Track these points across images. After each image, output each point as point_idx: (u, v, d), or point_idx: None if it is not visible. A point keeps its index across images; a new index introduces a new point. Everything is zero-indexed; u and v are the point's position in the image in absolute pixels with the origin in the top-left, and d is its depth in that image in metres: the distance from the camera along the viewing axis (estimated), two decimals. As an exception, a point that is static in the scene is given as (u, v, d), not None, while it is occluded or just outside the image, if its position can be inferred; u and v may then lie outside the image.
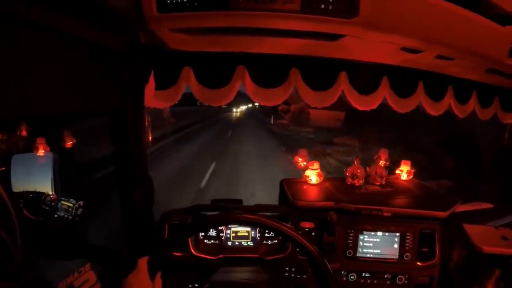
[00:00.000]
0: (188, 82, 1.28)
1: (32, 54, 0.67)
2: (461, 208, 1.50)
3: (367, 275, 1.32)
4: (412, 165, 1.73)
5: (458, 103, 1.61)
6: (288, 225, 0.79)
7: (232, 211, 0.82)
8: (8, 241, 0.59)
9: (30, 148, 1.71)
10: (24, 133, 1.83)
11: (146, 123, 1.40)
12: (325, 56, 1.31)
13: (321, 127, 17.16)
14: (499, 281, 1.31)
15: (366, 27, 1.04)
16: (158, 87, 1.27)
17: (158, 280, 0.79)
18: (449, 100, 1.57)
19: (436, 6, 1.03)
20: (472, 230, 1.33)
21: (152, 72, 1.24)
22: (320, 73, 1.33)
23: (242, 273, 1.27)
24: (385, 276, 1.32)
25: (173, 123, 19.59)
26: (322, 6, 0.96)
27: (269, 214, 1.30)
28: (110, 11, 0.85)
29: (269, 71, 1.30)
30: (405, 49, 1.23)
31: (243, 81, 1.29)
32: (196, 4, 0.94)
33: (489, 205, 1.83)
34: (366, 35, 1.10)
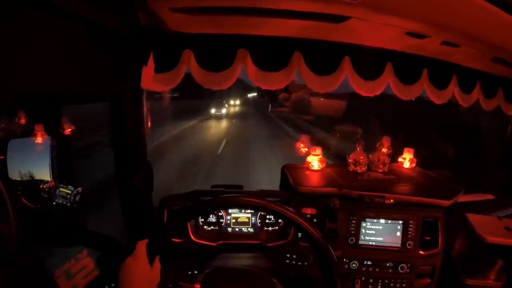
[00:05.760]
0: (189, 65, 1.26)
1: (28, 33, 0.64)
2: (462, 198, 1.49)
3: (369, 263, 1.31)
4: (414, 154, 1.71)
5: (462, 92, 1.59)
6: (292, 210, 0.77)
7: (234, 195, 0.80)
8: (2, 228, 0.57)
9: (28, 135, 1.69)
10: (22, 121, 1.81)
11: (146, 109, 1.38)
12: (329, 40, 1.29)
13: (321, 115, 17.07)
14: (502, 271, 1.30)
15: (371, 9, 1.02)
16: (158, 70, 1.25)
17: (157, 264, 0.76)
18: (453, 89, 1.55)
19: None
20: (476, 219, 1.32)
21: (152, 54, 1.22)
22: (323, 57, 1.31)
23: (242, 260, 1.26)
24: (387, 265, 1.30)
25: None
26: (327, -14, 0.94)
27: (271, 199, 1.29)
28: None
29: (272, 54, 1.28)
30: (410, 34, 1.21)
31: (245, 64, 1.27)
32: (198, -19, 0.92)
33: (490, 196, 1.82)
34: (371, 18, 1.07)
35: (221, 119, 19.22)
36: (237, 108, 29.96)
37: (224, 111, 21.80)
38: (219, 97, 24.93)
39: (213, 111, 21.03)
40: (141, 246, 0.74)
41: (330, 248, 0.73)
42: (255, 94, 41.44)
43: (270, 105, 25.89)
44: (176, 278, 0.82)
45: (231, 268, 1.12)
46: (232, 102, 32.91)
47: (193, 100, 23.24)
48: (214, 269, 0.85)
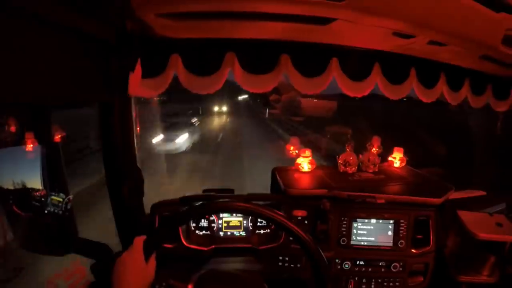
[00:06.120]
0: (176, 70, 1.25)
1: (14, 43, 0.64)
2: (454, 195, 1.49)
3: (361, 263, 1.31)
4: (404, 153, 1.71)
5: (450, 90, 1.60)
6: (281, 213, 0.77)
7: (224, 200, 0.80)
8: None
9: (19, 143, 1.68)
10: (12, 128, 1.79)
11: (134, 114, 1.37)
12: (316, 42, 1.29)
13: (312, 117, 17.07)
14: (494, 267, 1.31)
15: (357, 10, 1.02)
16: (145, 75, 1.24)
17: (152, 262, 0.77)
18: (441, 87, 1.56)
19: None
20: (467, 216, 1.33)
21: (139, 60, 1.21)
22: (311, 59, 1.31)
23: (234, 264, 1.26)
24: (380, 264, 1.31)
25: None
26: (312, -12, 0.94)
27: (261, 203, 1.29)
28: None
29: (259, 57, 1.28)
30: (397, 34, 1.21)
31: (232, 68, 1.26)
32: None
33: (482, 193, 1.83)
34: (357, 19, 1.07)
35: (177, 161, 9.53)
36: (223, 119, 21.86)
37: (182, 140, 11.69)
38: (174, 110, 15.59)
39: (156, 140, 10.93)
40: (139, 242, 0.75)
41: (321, 251, 0.73)
42: (246, 96, 38.81)
43: (267, 110, 22.93)
44: (169, 278, 0.82)
45: (225, 271, 1.12)
46: (216, 108, 24.80)
47: (180, 104, 19.56)
48: (208, 271, 0.85)
